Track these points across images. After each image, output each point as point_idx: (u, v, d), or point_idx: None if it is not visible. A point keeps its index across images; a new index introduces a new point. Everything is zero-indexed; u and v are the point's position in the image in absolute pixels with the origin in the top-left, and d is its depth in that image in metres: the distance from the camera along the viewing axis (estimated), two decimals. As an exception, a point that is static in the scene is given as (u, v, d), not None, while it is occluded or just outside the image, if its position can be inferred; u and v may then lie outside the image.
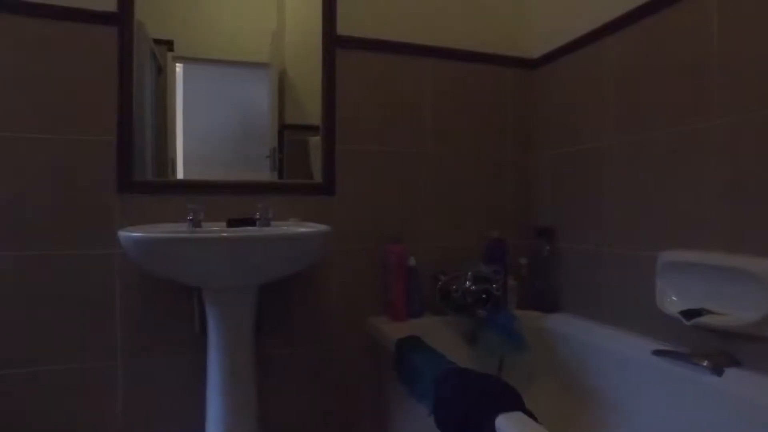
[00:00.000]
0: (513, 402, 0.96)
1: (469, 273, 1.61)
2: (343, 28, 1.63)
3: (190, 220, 1.32)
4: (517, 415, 0.90)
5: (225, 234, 1.19)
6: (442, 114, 1.75)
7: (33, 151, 1.37)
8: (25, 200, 1.36)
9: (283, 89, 1.63)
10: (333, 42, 1.61)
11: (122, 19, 1.42)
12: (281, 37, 1.62)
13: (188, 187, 1.48)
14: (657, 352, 1.24)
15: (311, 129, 1.64)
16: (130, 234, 1.15)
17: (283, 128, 1.63)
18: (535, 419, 0.90)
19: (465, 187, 1.78)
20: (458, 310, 1.61)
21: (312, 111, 1.64)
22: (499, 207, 1.83)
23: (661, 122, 1.33)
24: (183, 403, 1.47)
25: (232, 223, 1.37)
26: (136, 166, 1.44)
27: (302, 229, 1.32)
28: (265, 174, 1.59)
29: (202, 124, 1.57)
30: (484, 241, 1.75)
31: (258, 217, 1.38)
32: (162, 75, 1.53)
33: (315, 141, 1.64)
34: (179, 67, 1.55)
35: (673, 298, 1.23)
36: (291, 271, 1.35)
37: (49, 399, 1.38)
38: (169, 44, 1.52)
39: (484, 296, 1.57)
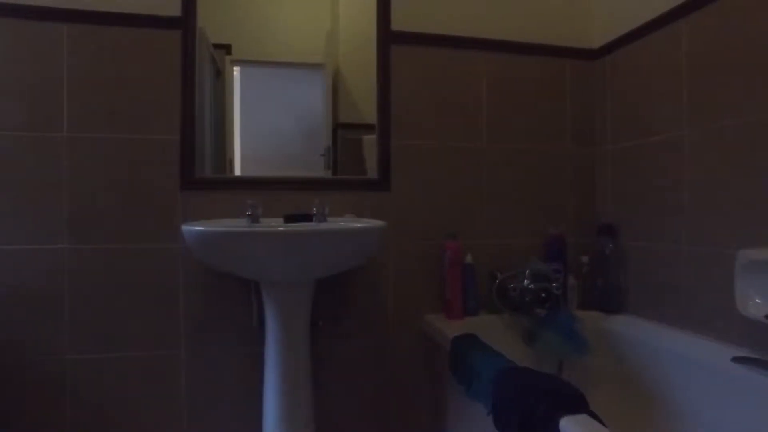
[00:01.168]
0: (578, 404, 0.91)
1: (527, 271, 1.56)
2: (397, 24, 1.62)
3: (249, 215, 1.36)
4: (583, 418, 0.86)
5: (282, 228, 1.21)
6: (498, 108, 1.71)
7: (105, 151, 1.46)
8: (98, 197, 1.45)
9: (336, 89, 1.64)
10: (387, 38, 1.61)
11: (186, 23, 1.49)
12: (335, 37, 1.64)
13: (246, 183, 1.52)
14: (737, 359, 1.15)
15: (365, 127, 1.65)
16: (192, 228, 1.19)
17: (337, 127, 1.64)
18: (602, 423, 0.85)
19: (522, 182, 1.73)
20: (516, 309, 1.57)
21: (365, 109, 1.65)
22: (558, 203, 1.76)
23: (740, 111, 1.23)
24: (241, 392, 1.51)
25: (289, 218, 1.39)
26: (197, 164, 1.50)
27: (358, 225, 1.32)
28: (319, 172, 1.61)
29: (258, 125, 1.61)
30: (543, 239, 1.70)
31: (314, 212, 1.39)
32: (220, 78, 1.58)
33: (368, 139, 1.65)
34: (236, 70, 1.59)
35: (757, 300, 1.14)
36: (347, 266, 1.35)
37: (121, 382, 1.47)
38: (227, 48, 1.57)
39: (543, 295, 1.52)
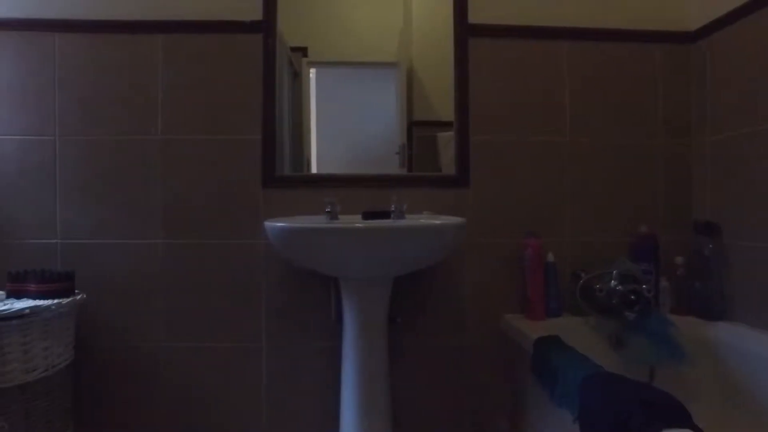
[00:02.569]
0: (680, 416, 0.84)
1: (615, 271, 1.47)
2: (474, 17, 1.59)
3: (328, 212, 1.38)
4: (686, 433, 0.79)
5: (361, 225, 1.22)
6: (582, 100, 1.62)
7: (194, 151, 1.54)
8: (187, 195, 1.54)
9: (411, 86, 1.64)
10: (465, 31, 1.58)
11: (267, 26, 1.54)
12: (408, 35, 1.63)
13: (325, 181, 1.55)
14: None
15: (439, 124, 1.63)
16: (274, 224, 1.23)
17: (412, 125, 1.63)
18: (709, 438, 0.78)
19: (608, 178, 1.62)
20: (602, 311, 1.48)
21: (440, 106, 1.62)
22: (648, 199, 1.64)
23: None
24: (319, 385, 1.54)
25: (367, 215, 1.40)
26: (277, 163, 1.55)
27: (437, 222, 1.30)
28: (394, 170, 1.60)
29: (333, 124, 1.64)
30: (632, 237, 1.59)
31: (392, 209, 1.39)
32: (297, 80, 1.62)
33: (444, 136, 1.62)
34: (312, 72, 1.63)
35: None
36: (425, 263, 1.34)
37: (210, 369, 1.55)
38: (303, 51, 1.61)
39: (632, 297, 1.42)
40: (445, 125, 1.61)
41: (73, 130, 1.54)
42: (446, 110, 1.61)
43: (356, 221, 1.39)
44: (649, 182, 1.64)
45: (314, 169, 1.61)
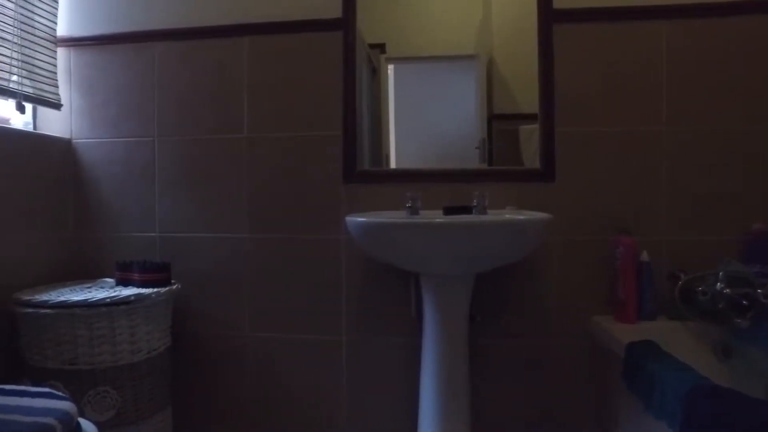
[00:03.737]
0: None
1: (721, 273, 1.33)
2: (559, 2, 1.50)
3: (409, 207, 1.37)
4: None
5: (443, 220, 1.20)
6: (681, 85, 1.49)
7: (277, 148, 1.60)
8: (271, 190, 1.60)
9: (491, 79, 1.59)
10: (549, 17, 1.50)
11: (346, 22, 1.56)
12: (488, 26, 1.58)
13: (405, 176, 1.55)
14: None
15: (521, 117, 1.57)
16: (355, 219, 1.24)
17: (492, 118, 1.58)
18: None
19: (712, 170, 1.48)
20: (705, 316, 1.35)
21: (522, 98, 1.56)
22: (761, 194, 1.47)
23: None
24: (398, 381, 1.55)
25: (448, 210, 1.37)
26: (358, 158, 1.56)
27: (521, 217, 1.25)
28: (474, 165, 1.56)
29: (412, 120, 1.62)
30: (742, 236, 1.44)
31: (474, 204, 1.35)
32: (376, 76, 1.62)
33: (526, 129, 1.56)
34: (390, 68, 1.62)
35: None
36: (508, 260, 1.29)
37: (293, 360, 1.61)
38: (381, 47, 1.61)
39: (744, 303, 1.28)
40: (527, 118, 1.55)
41: (169, 131, 1.65)
42: (528, 102, 1.54)
43: (437, 216, 1.37)
44: (763, 174, 1.47)
45: (393, 165, 1.61)
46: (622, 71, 1.50)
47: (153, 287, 1.44)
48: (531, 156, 1.54)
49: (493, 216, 1.35)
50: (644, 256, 1.42)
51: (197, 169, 1.63)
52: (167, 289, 1.45)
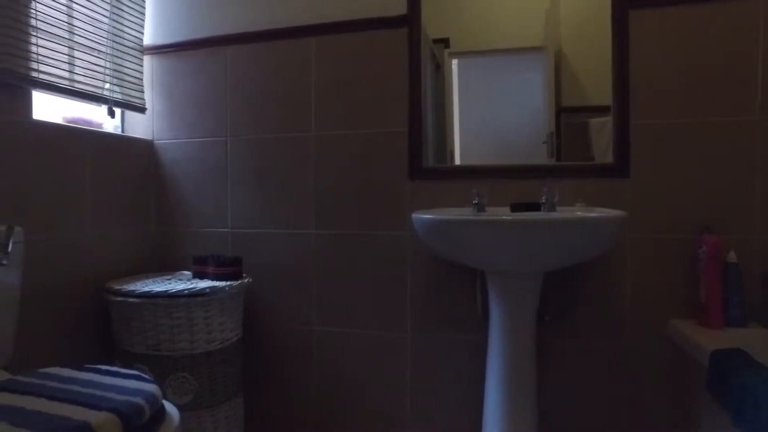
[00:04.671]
0: None
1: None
2: (636, -14, 1.43)
3: (475, 204, 1.35)
4: None
5: (511, 217, 1.18)
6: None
7: (345, 145, 1.63)
8: (338, 187, 1.63)
9: (559, 71, 1.53)
10: (625, 2, 1.42)
11: (411, 19, 1.56)
12: (555, 16, 1.52)
13: (471, 172, 1.53)
14: None
15: (591, 110, 1.50)
16: (421, 216, 1.24)
17: (560, 112, 1.53)
18: None
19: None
20: (803, 324, 1.24)
21: (592, 90, 1.50)
22: None
23: None
24: (463, 379, 1.53)
25: (515, 207, 1.34)
26: (423, 154, 1.56)
27: (593, 214, 1.21)
28: (542, 160, 1.52)
29: (477, 115, 1.60)
30: None
31: (543, 201, 1.32)
32: (440, 72, 1.61)
33: (597, 122, 1.49)
34: (454, 63, 1.61)
35: None
36: (579, 258, 1.25)
37: (358, 354, 1.63)
38: (445, 42, 1.60)
39: None
40: (597, 110, 1.48)
41: (240, 130, 1.72)
42: (599, 94, 1.48)
43: (505, 213, 1.34)
44: None
45: (457, 162, 1.59)
46: (709, 57, 1.39)
47: (226, 280, 1.51)
48: (602, 150, 1.48)
49: (563, 213, 1.30)
50: (731, 256, 1.32)
51: (267, 167, 1.70)
52: (239, 282, 1.52)
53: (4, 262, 1.12)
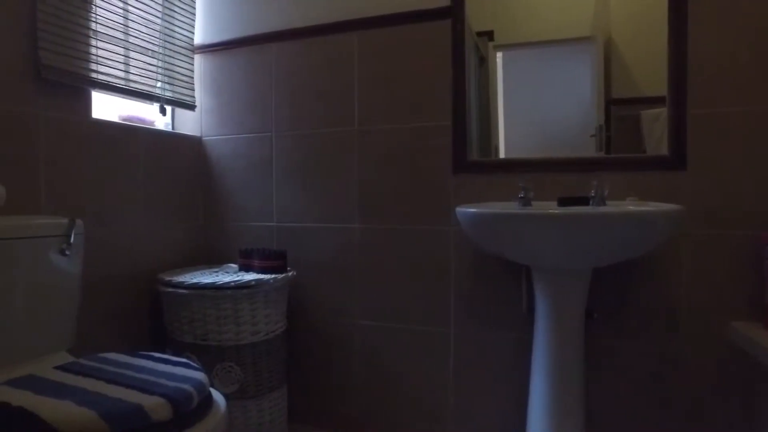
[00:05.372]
0: None
1: None
2: (697, -34, 1.35)
3: (521, 197, 1.33)
4: None
5: (558, 211, 1.14)
6: None
7: (388, 140, 1.63)
8: (381, 181, 1.63)
9: (609, 61, 1.47)
10: (684, -16, 1.35)
11: (454, 11, 1.54)
12: (605, 4, 1.46)
13: (517, 166, 1.50)
14: None
15: (643, 101, 1.44)
16: (466, 210, 1.23)
17: (610, 103, 1.47)
18: None
19: None
20: None
21: (645, 80, 1.43)
22: None
23: None
24: (507, 377, 1.50)
25: (563, 201, 1.30)
26: (467, 148, 1.54)
27: (646, 209, 1.15)
28: (591, 154, 1.47)
29: (522, 109, 1.57)
30: None
31: (592, 195, 1.27)
32: (483, 65, 1.58)
33: (649, 114, 1.43)
34: (499, 56, 1.58)
35: None
36: (630, 255, 1.20)
37: (400, 349, 1.63)
38: (489, 35, 1.57)
39: None
40: (650, 101, 1.42)
41: (285, 126, 1.75)
42: (653, 84, 1.41)
43: (552, 207, 1.31)
44: None
45: (501, 155, 1.56)
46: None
47: (271, 273, 1.54)
48: (655, 142, 1.41)
49: (613, 207, 1.25)
50: (799, 254, 1.24)
51: (311, 162, 1.72)
52: (284, 275, 1.55)
53: (67, 252, 1.19)
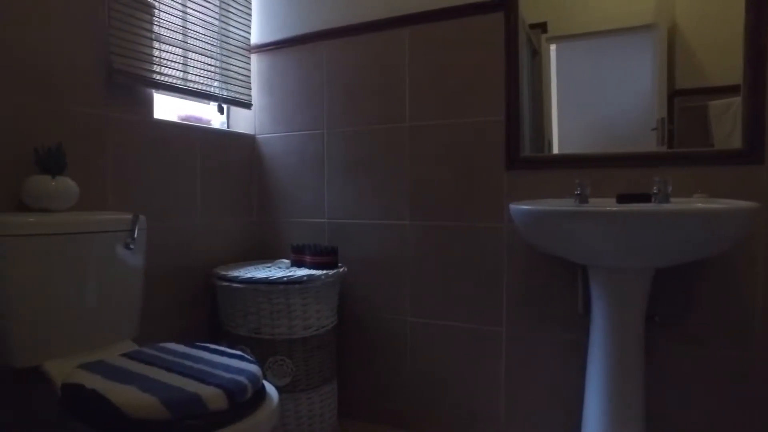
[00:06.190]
0: None
1: None
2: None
3: (577, 194, 1.28)
4: None
5: (618, 209, 1.09)
6: None
7: (439, 136, 1.61)
8: (432, 178, 1.62)
9: (672, 49, 1.39)
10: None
11: (508, 2, 1.50)
12: (670, -11, 1.38)
13: (572, 161, 1.45)
14: None
15: (711, 91, 1.35)
16: (520, 207, 1.19)
17: (673, 95, 1.39)
18: None
19: None
20: None
21: (713, 68, 1.34)
22: None
23: None
24: (561, 380, 1.46)
25: (622, 198, 1.24)
26: (521, 144, 1.50)
27: (716, 206, 1.08)
28: (651, 149, 1.39)
29: (577, 102, 1.51)
30: None
31: (654, 191, 1.21)
32: (536, 58, 1.54)
33: (718, 105, 1.34)
34: (552, 48, 1.52)
35: None
36: (698, 255, 1.13)
37: (450, 347, 1.62)
38: (542, 26, 1.52)
39: None
40: (719, 91, 1.33)
41: (336, 123, 1.77)
42: (723, 73, 1.32)
43: (610, 204, 1.25)
44: None
45: (555, 151, 1.52)
46: None
47: (322, 269, 1.56)
48: (725, 135, 1.32)
49: (679, 204, 1.18)
50: None
51: (362, 159, 1.73)
52: (335, 271, 1.57)
53: (131, 247, 1.25)
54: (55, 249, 1.09)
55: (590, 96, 1.50)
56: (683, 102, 1.39)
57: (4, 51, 1.16)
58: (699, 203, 1.19)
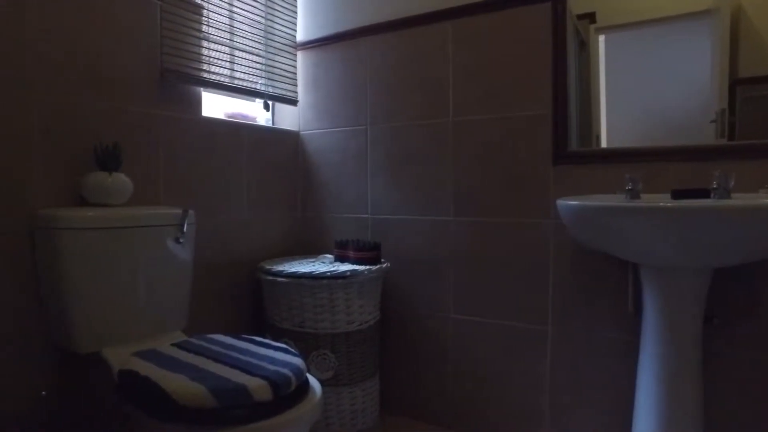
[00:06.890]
0: None
1: None
2: None
3: (629, 189, 1.22)
4: None
5: (673, 204, 1.03)
6: None
7: (484, 130, 1.58)
8: (476, 173, 1.60)
9: (736, 35, 1.31)
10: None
11: (556, -7, 1.46)
12: (733, -29, 1.30)
13: (622, 156, 1.39)
14: None
15: (779, 79, 1.26)
16: (568, 203, 1.16)
17: (735, 84, 1.30)
18: None
19: None
20: None
21: (782, 55, 1.25)
22: None
23: None
24: (609, 382, 1.41)
25: (677, 194, 1.18)
26: (568, 138, 1.46)
27: (783, 202, 1.01)
28: (709, 142, 1.32)
29: (627, 95, 1.45)
30: None
31: (714, 187, 1.14)
32: (584, 49, 1.48)
33: (787, 93, 1.25)
34: (601, 39, 1.47)
35: None
36: (761, 255, 1.06)
37: (494, 345, 1.59)
38: (590, 17, 1.47)
39: None
40: (788, 80, 1.24)
41: (379, 119, 1.77)
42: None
43: (664, 200, 1.20)
44: None
45: (603, 145, 1.46)
46: None
47: (366, 264, 1.57)
48: (794, 127, 1.23)
49: (741, 201, 1.11)
50: None
51: (405, 154, 1.72)
52: (378, 267, 1.57)
53: (181, 240, 1.29)
54: (111, 242, 1.15)
55: (641, 88, 1.43)
56: (747, 91, 1.31)
57: (70, 57, 1.23)
58: (766, 198, 1.11)
